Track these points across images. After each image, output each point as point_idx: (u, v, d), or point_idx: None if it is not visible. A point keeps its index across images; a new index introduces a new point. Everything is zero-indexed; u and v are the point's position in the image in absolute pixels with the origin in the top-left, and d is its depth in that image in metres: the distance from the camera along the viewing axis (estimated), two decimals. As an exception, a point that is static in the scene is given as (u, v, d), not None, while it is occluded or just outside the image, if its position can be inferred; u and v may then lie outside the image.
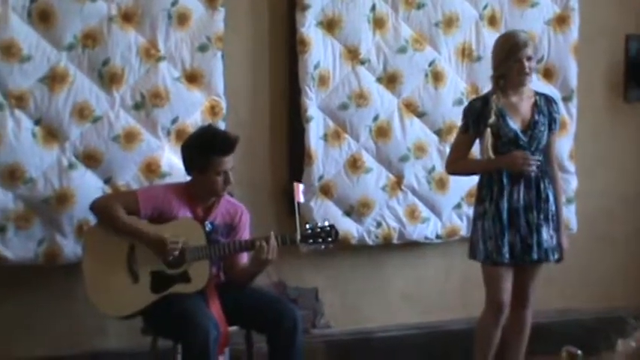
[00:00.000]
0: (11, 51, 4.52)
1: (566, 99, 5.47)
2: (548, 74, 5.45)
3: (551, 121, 4.45)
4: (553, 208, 4.42)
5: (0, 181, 4.54)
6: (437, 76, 5.25)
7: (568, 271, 5.29)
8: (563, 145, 5.45)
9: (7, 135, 4.53)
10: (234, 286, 4.40)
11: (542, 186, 4.39)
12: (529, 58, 4.34)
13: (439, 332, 5.37)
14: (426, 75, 5.24)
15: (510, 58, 4.31)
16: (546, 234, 4.38)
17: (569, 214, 5.48)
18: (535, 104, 4.42)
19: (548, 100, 4.49)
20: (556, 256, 4.47)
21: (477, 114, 4.38)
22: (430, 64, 5.24)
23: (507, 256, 4.35)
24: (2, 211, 4.55)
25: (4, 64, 4.51)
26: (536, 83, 5.38)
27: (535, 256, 4.37)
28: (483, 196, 4.41)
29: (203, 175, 4.26)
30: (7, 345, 4.74)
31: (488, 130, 4.31)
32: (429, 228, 5.33)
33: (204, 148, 4.24)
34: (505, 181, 4.35)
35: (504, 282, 4.41)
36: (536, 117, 4.39)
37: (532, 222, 4.36)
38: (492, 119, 4.31)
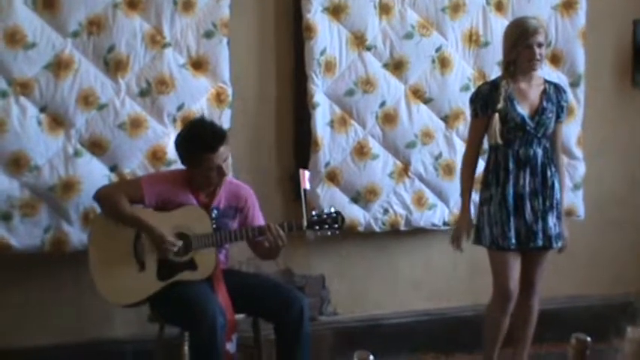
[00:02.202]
0: (15, 38, 4.50)
1: (574, 84, 5.45)
2: (555, 60, 5.43)
3: (559, 110, 4.43)
4: (558, 195, 4.41)
5: (5, 169, 4.54)
6: (443, 62, 5.23)
7: (577, 257, 5.27)
8: (571, 130, 5.43)
9: (12, 123, 4.53)
10: (241, 273, 4.39)
11: (548, 173, 4.38)
12: (539, 45, 4.31)
13: (447, 319, 5.37)
14: (433, 61, 5.22)
15: (520, 44, 4.29)
16: (551, 221, 4.37)
17: (577, 200, 5.48)
18: (544, 92, 4.40)
19: (558, 88, 4.48)
20: (559, 244, 4.45)
21: (484, 99, 4.37)
22: (437, 50, 5.23)
23: (514, 241, 4.34)
24: (8, 198, 4.54)
25: (9, 51, 4.50)
26: (543, 69, 5.36)
27: (540, 242, 4.37)
28: (489, 181, 4.40)
29: (196, 169, 4.26)
30: (13, 333, 4.74)
31: (497, 115, 4.30)
32: (436, 215, 5.31)
33: (192, 146, 4.23)
34: (511, 166, 4.34)
35: (512, 269, 4.40)
36: (545, 104, 4.37)
37: (537, 208, 4.35)
38: (501, 104, 4.29)
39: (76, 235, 4.63)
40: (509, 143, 4.34)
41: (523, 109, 4.33)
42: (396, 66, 5.17)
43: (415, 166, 5.24)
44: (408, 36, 5.17)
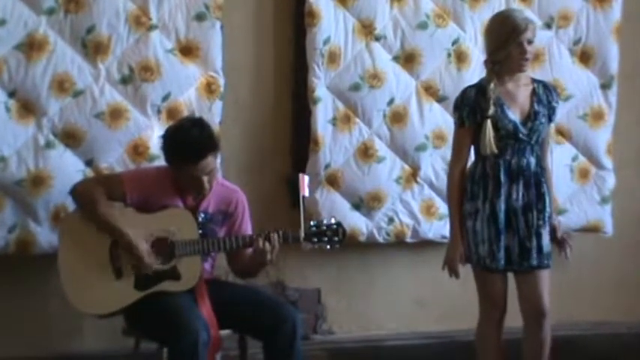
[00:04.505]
0: (-17, 14, 4.49)
1: (605, 86, 5.48)
2: (585, 58, 5.45)
3: (550, 112, 4.41)
4: (549, 209, 4.38)
5: (-32, 160, 4.53)
6: (460, 57, 5.26)
7: (602, 279, 5.26)
8: (600, 137, 5.46)
9: (-23, 108, 4.51)
10: (228, 284, 4.39)
11: (542, 184, 4.34)
12: (530, 42, 4.29)
13: (455, 342, 5.36)
14: (449, 55, 5.25)
15: (511, 42, 4.25)
16: (546, 237, 4.34)
17: (605, 215, 5.49)
18: (534, 92, 4.38)
19: (547, 88, 4.45)
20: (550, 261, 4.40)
21: (471, 104, 4.32)
22: (453, 43, 5.26)
23: (502, 262, 4.31)
24: (-31, 193, 4.52)
25: (-25, 28, 4.49)
26: (571, 68, 5.37)
27: (534, 262, 4.33)
28: (475, 194, 4.34)
29: (177, 173, 4.23)
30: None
31: (489, 122, 4.25)
32: (446, 226, 5.22)
33: (173, 150, 4.21)
34: (503, 178, 4.29)
35: (498, 286, 4.37)
36: (536, 107, 4.35)
37: (531, 224, 4.31)
38: (492, 110, 4.26)
39: (45, 236, 4.60)
40: (499, 153, 4.30)
41: (514, 115, 4.30)
42: (408, 59, 5.18)
43: (425, 172, 5.24)
44: (422, 26, 5.17)
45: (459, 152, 4.40)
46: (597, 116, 5.44)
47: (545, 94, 4.39)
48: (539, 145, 4.37)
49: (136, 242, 4.15)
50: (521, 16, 4.34)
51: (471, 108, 4.30)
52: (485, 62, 4.36)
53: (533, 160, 4.33)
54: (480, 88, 4.33)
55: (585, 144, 5.46)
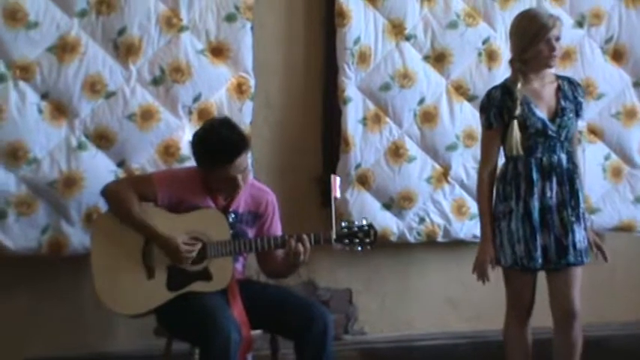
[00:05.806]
0: (16, 16, 4.53)
1: (638, 84, 5.47)
2: (617, 56, 5.43)
3: (577, 107, 4.40)
4: (583, 205, 4.38)
5: (0, 161, 4.55)
6: (491, 56, 5.25)
7: (636, 279, 5.22)
8: (633, 136, 5.44)
9: (9, 110, 4.55)
10: (259, 284, 4.41)
11: (575, 180, 4.35)
12: (557, 39, 4.30)
13: (487, 343, 5.33)
14: (479, 54, 5.25)
15: (539, 39, 4.26)
16: (579, 234, 4.33)
17: (638, 215, 5.46)
18: (559, 89, 4.38)
19: (572, 83, 4.45)
20: (589, 259, 4.40)
21: (498, 106, 4.31)
22: (484, 42, 5.26)
23: (540, 261, 4.31)
24: (3, 194, 4.55)
25: (9, 30, 4.53)
26: (603, 66, 5.35)
27: (572, 258, 4.32)
28: (508, 194, 4.33)
29: (209, 174, 4.26)
30: (5, 344, 4.73)
31: (515, 123, 4.26)
32: (477, 225, 5.26)
33: (205, 152, 4.23)
34: (535, 177, 4.29)
35: (530, 286, 4.37)
36: (563, 103, 4.35)
37: (566, 220, 4.31)
38: (519, 110, 4.26)
39: (77, 237, 4.64)
40: (530, 151, 4.29)
41: (542, 113, 4.31)
42: (438, 58, 5.18)
43: (456, 171, 5.24)
44: (452, 25, 5.18)
45: (487, 154, 4.40)
46: (630, 115, 5.42)
47: (571, 90, 4.39)
48: (570, 141, 4.37)
49: (170, 238, 4.18)
50: (547, 14, 4.36)
51: (498, 109, 4.30)
52: (511, 62, 4.37)
53: (564, 157, 4.33)
54: (506, 88, 4.33)
55: (618, 143, 5.44)
